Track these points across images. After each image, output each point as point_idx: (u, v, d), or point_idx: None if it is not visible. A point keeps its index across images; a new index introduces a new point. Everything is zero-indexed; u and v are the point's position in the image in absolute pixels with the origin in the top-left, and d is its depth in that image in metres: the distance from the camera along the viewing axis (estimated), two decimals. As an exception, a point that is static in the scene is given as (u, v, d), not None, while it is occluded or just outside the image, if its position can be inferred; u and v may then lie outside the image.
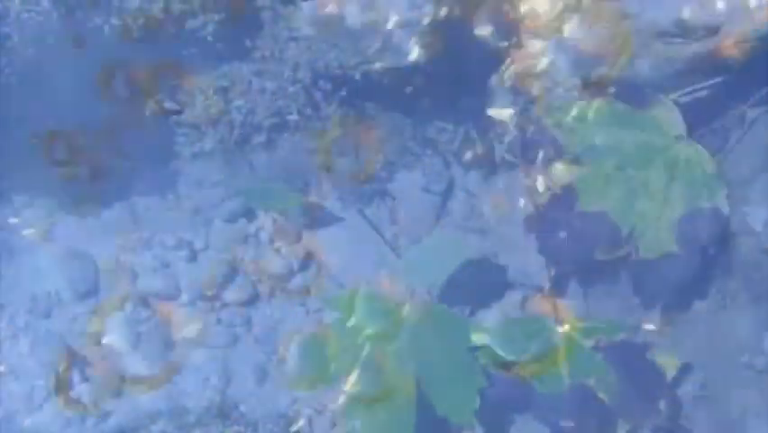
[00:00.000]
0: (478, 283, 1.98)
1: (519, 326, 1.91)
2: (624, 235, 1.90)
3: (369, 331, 1.84)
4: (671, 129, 1.93)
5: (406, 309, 1.86)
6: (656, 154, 1.92)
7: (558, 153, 1.94)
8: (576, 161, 1.93)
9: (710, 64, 1.94)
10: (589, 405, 1.84)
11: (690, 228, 1.89)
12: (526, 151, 1.98)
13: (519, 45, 1.99)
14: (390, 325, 1.84)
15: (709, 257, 1.97)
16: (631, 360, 1.89)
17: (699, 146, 1.92)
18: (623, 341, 1.89)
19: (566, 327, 1.90)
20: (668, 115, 1.94)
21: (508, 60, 2.01)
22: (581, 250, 1.90)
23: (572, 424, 1.84)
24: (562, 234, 1.90)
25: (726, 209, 1.89)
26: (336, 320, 1.91)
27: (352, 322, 1.86)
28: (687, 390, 1.96)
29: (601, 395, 1.85)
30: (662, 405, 1.89)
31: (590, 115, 1.94)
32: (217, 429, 1.80)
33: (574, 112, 1.94)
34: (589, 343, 1.88)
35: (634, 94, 1.95)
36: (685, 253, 1.89)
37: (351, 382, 1.82)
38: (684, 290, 1.94)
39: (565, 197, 1.92)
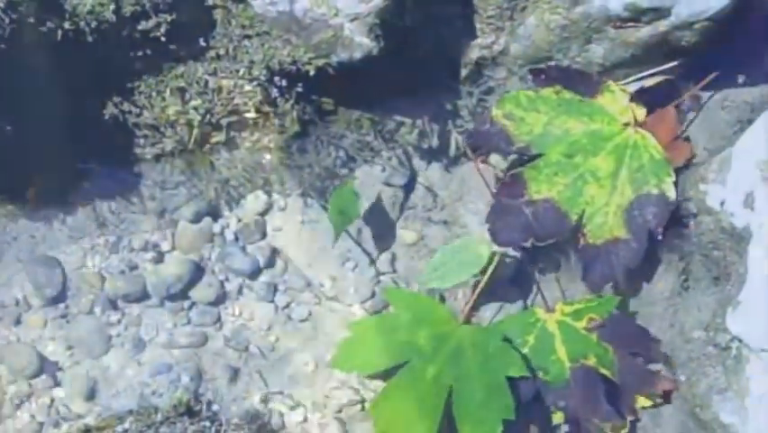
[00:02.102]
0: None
1: (513, 321, 1.93)
2: (572, 221, 1.91)
3: (419, 335, 1.87)
4: (618, 116, 1.95)
5: (460, 324, 1.89)
6: (604, 142, 1.93)
7: (507, 144, 1.95)
8: (525, 150, 1.95)
9: (666, 47, 1.95)
10: (594, 383, 1.87)
11: (639, 214, 1.90)
12: (477, 141, 2.00)
13: (474, 36, 2.01)
14: (441, 334, 1.87)
15: (672, 239, 1.98)
16: (624, 330, 1.92)
17: (648, 133, 1.93)
18: (613, 315, 1.91)
19: (557, 314, 1.92)
20: (616, 102, 1.95)
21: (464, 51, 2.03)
22: (531, 237, 1.92)
23: (583, 403, 1.87)
24: (512, 222, 1.92)
25: (673, 195, 1.90)
26: (389, 315, 1.96)
27: (406, 322, 1.89)
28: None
29: (603, 371, 1.88)
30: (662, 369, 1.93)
31: (539, 104, 1.95)
32: (183, 426, 1.81)
33: (524, 102, 1.96)
34: (581, 324, 1.90)
35: (582, 82, 1.96)
36: (633, 238, 1.90)
37: (390, 378, 1.85)
38: (636, 273, 1.96)
39: (514, 184, 1.93)
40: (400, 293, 1.96)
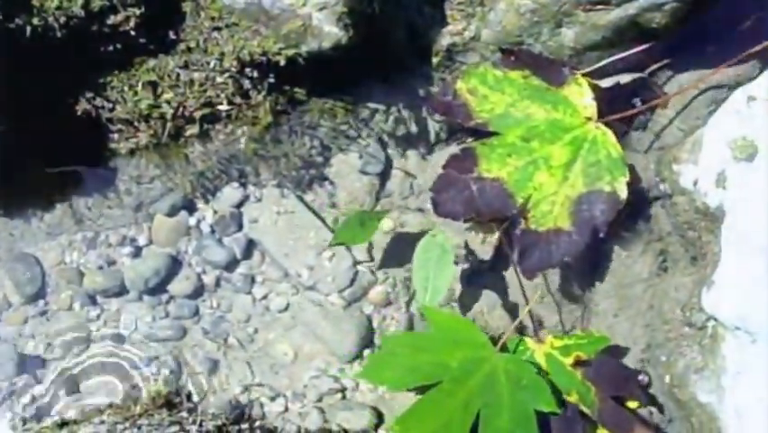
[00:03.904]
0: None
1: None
2: (517, 204, 1.91)
3: (454, 357, 1.85)
4: (582, 110, 1.94)
5: (495, 351, 1.87)
6: (563, 133, 1.92)
7: (467, 118, 1.95)
8: (483, 126, 1.95)
9: (636, 29, 1.95)
10: (573, 419, 1.87)
11: (587, 208, 1.90)
12: (437, 109, 2.00)
13: (445, 22, 2.02)
14: (476, 359, 1.85)
15: (648, 221, 1.99)
16: (609, 372, 1.91)
17: (608, 130, 1.92)
18: (600, 355, 1.91)
19: (546, 346, 1.92)
20: (582, 95, 1.94)
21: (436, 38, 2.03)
22: (473, 212, 1.92)
23: None
24: (457, 195, 1.92)
25: (624, 195, 1.89)
26: (424, 333, 1.96)
27: (442, 342, 1.88)
28: (632, 354, 1.99)
29: (584, 409, 1.87)
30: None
31: (505, 85, 1.95)
32: (161, 417, 1.82)
33: (490, 80, 1.96)
34: (568, 360, 1.90)
35: (551, 70, 1.96)
36: (576, 231, 1.90)
37: (420, 396, 1.83)
38: (613, 256, 1.97)
39: (465, 159, 1.93)
40: (439, 313, 1.92)
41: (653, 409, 1.95)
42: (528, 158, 1.91)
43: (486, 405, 1.80)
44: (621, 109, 1.98)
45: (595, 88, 1.95)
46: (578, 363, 1.89)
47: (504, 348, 1.90)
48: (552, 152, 1.91)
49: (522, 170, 1.91)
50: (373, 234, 1.95)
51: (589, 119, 1.93)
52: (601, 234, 1.89)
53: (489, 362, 1.84)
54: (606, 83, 1.98)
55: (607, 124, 1.93)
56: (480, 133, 1.97)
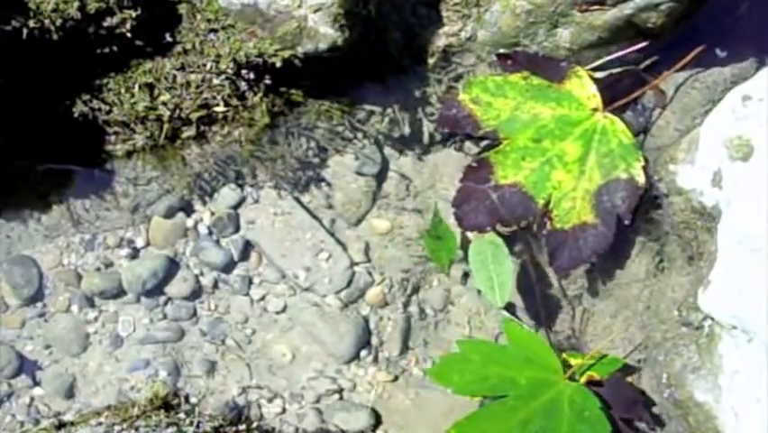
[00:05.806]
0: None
1: None
2: (539, 206, 1.92)
3: (523, 375, 1.85)
4: (586, 102, 1.94)
5: (565, 378, 1.87)
6: (572, 127, 1.93)
7: (475, 128, 1.96)
8: (493, 134, 1.95)
9: (632, 29, 1.96)
10: None
11: (607, 199, 1.91)
12: (444, 125, 2.00)
13: (441, 23, 2.02)
14: (544, 381, 1.86)
15: (646, 221, 1.99)
16: (620, 394, 1.92)
17: (617, 118, 1.93)
18: (612, 376, 1.91)
19: None
20: (584, 88, 1.95)
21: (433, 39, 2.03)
22: (497, 221, 1.92)
23: None
24: (478, 206, 1.92)
25: (642, 180, 1.90)
26: (501, 345, 1.95)
27: (515, 358, 1.87)
28: (629, 354, 1.99)
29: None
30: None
31: (506, 89, 1.96)
32: (158, 419, 1.82)
33: (491, 87, 1.96)
34: (582, 379, 1.90)
35: (550, 68, 1.96)
36: (602, 223, 1.90)
37: (486, 407, 1.85)
38: (610, 257, 1.97)
39: (481, 169, 1.93)
40: (519, 330, 1.92)
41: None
42: (542, 158, 1.92)
43: (544, 429, 1.81)
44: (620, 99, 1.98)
45: (594, 80, 1.96)
46: (590, 382, 1.88)
47: (573, 376, 1.89)
48: (564, 149, 1.92)
49: (538, 172, 1.91)
50: (455, 235, 1.96)
51: (595, 110, 1.93)
52: (626, 222, 1.90)
53: (557, 387, 1.85)
54: (599, 75, 1.98)
55: (613, 113, 1.93)
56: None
